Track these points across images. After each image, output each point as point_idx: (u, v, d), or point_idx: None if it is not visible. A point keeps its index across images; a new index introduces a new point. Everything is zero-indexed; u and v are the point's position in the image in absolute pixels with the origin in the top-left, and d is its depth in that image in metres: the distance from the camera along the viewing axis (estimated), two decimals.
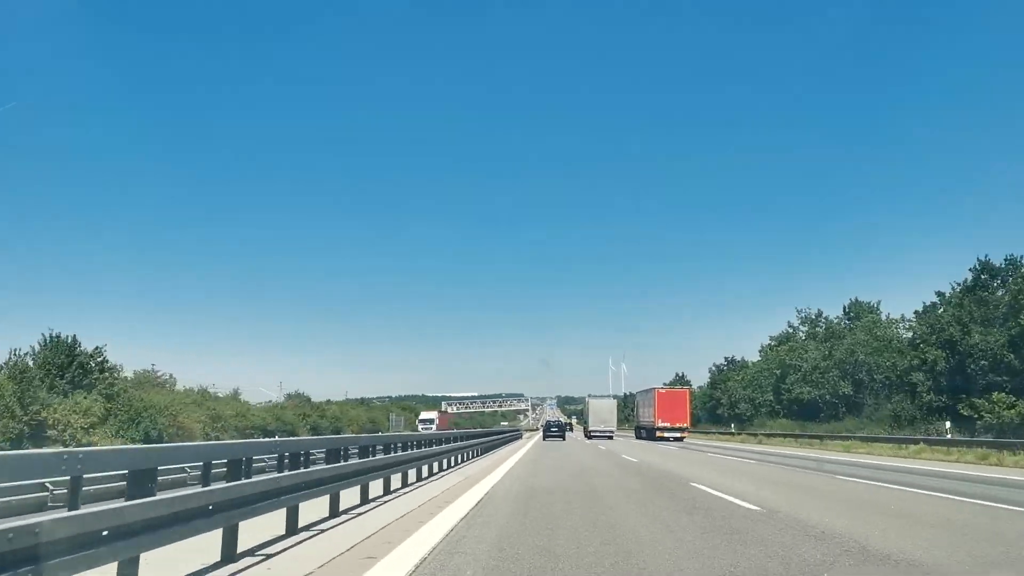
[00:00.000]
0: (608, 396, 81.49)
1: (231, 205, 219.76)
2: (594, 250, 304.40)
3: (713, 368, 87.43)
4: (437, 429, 69.53)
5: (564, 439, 55.68)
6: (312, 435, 73.44)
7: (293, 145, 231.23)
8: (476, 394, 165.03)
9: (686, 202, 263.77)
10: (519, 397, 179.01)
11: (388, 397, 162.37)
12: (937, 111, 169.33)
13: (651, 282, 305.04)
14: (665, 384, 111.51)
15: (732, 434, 54.19)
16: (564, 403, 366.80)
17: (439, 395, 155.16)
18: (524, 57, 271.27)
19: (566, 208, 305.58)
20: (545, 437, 58.38)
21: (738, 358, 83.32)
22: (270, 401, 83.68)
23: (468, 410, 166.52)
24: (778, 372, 58.93)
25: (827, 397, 48.60)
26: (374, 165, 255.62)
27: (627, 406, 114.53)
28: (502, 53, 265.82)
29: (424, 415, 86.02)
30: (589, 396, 69.90)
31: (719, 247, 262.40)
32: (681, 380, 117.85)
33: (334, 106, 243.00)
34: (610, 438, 54.18)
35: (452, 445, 20.89)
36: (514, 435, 56.34)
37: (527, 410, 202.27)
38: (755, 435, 46.60)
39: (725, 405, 76.63)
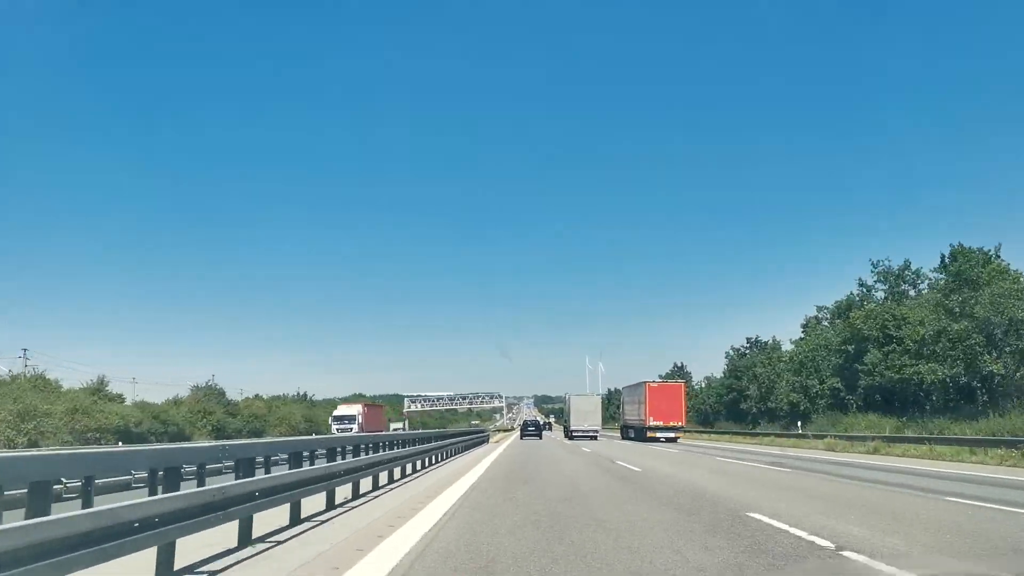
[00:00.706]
0: (591, 393, 71.19)
1: (202, 202, 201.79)
2: (572, 248, 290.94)
3: (731, 353, 69.97)
4: (362, 430, 51.52)
5: (540, 437, 55.42)
6: (213, 440, 54.77)
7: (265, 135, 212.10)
8: (452, 393, 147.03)
9: (667, 198, 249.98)
10: (495, 396, 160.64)
11: (360, 395, 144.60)
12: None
13: (631, 280, 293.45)
14: (660, 377, 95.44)
15: (800, 436, 36.21)
16: (541, 402, 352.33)
17: (414, 394, 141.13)
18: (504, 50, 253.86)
19: (544, 207, 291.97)
20: (522, 436, 58.67)
21: (765, 338, 66.14)
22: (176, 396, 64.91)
23: (435, 408, 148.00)
24: (850, 348, 41.38)
25: (961, 378, 31.03)
26: (354, 165, 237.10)
27: (611, 403, 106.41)
28: (480, 47, 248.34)
29: (340, 410, 59.72)
30: (570, 393, 64.21)
31: (700, 243, 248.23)
32: (680, 372, 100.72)
33: (297, 96, 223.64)
34: (594, 438, 49.72)
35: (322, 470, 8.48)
36: (476, 438, 38.30)
37: (502, 408, 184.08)
38: (857, 440, 28.71)
39: (753, 398, 59.19)
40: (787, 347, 59.50)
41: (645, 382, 46.16)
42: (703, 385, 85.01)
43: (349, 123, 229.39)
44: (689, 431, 53.59)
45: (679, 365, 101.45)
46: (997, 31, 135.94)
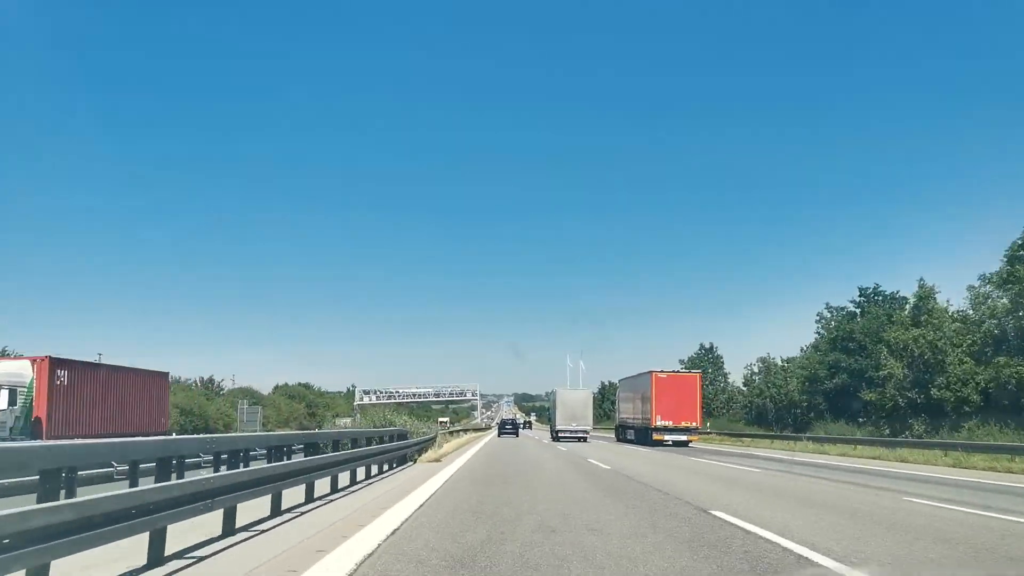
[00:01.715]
0: (581, 388, 57.68)
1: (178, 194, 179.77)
2: (558, 242, 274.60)
3: (829, 315, 45.26)
4: (42, 426, 22.46)
5: (517, 435, 57.62)
6: None
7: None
8: (418, 389, 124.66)
9: (656, 192, 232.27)
10: (467, 391, 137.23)
11: (306, 387, 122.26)
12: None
13: (611, 277, 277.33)
14: (681, 363, 73.04)
15: None
16: (522, 400, 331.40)
17: (371, 388, 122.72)
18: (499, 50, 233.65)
19: (528, 201, 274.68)
20: (500, 434, 60.98)
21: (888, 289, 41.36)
22: None
23: (397, 402, 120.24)
24: None
25: None
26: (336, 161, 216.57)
27: (605, 400, 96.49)
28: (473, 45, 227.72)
29: None
30: (557, 388, 53.75)
31: (690, 236, 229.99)
32: (709, 355, 76.63)
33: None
34: (583, 439, 44.00)
35: None
36: (365, 457, 13.10)
37: (476, 403, 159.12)
38: None
39: (895, 381, 34.83)
40: (956, 296, 34.98)
41: (651, 372, 37.44)
42: (753, 371, 60.70)
43: (333, 119, 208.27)
44: (706, 433, 41.56)
45: (707, 347, 77.10)
46: None
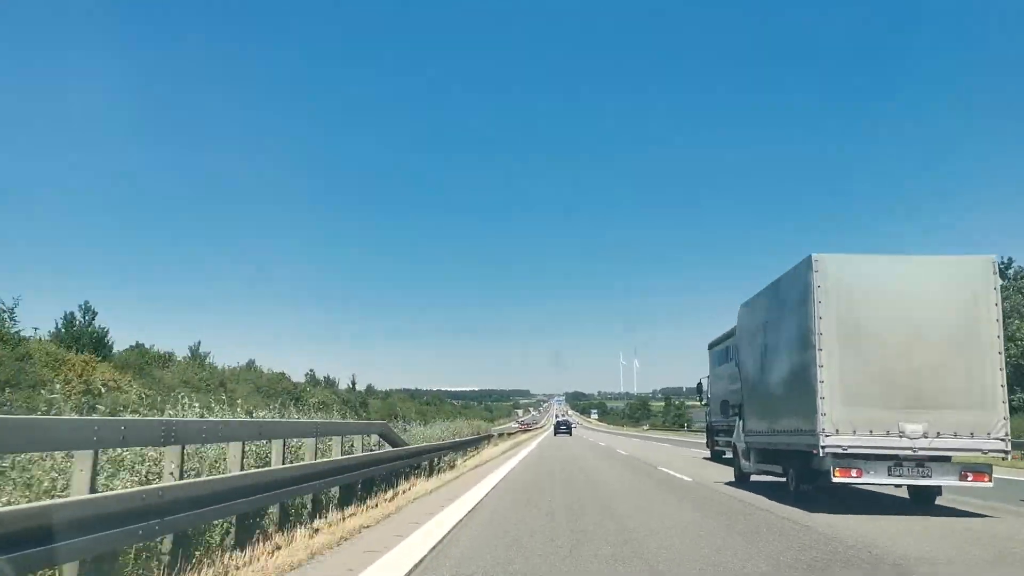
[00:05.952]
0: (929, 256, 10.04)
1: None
2: (606, 246, 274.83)
3: None
4: None
5: (570, 434, 66.24)
6: None
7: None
8: (477, 388, 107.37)
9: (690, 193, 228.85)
10: (524, 394, 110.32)
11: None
12: None
13: (658, 276, 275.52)
14: None
15: None
16: (573, 399, 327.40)
17: (441, 389, 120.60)
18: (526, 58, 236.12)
19: (579, 199, 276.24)
20: (556, 433, 66.90)
21: None
22: None
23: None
24: None
25: None
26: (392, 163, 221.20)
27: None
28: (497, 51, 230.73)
29: None
30: (815, 255, 9.60)
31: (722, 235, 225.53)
32: None
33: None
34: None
35: None
36: None
37: (519, 397, 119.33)
38: None
39: None
40: None
41: None
42: None
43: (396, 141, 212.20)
44: None
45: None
46: None
